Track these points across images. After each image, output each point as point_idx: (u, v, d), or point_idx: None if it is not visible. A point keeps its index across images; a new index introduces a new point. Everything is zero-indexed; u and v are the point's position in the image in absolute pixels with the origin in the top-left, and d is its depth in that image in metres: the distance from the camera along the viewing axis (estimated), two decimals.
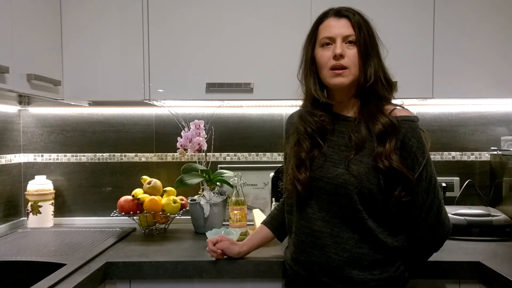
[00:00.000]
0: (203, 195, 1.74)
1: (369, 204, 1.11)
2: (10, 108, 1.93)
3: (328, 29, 1.15)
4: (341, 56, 1.12)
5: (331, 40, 1.15)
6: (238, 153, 2.00)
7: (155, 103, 1.81)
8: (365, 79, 1.13)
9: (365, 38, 1.13)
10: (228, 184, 1.73)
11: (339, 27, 1.14)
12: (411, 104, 1.76)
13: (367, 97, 1.16)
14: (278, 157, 1.99)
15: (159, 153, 2.00)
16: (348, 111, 1.21)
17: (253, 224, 1.65)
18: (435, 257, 1.26)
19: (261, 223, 1.40)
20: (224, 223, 1.79)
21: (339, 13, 1.16)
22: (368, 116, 1.15)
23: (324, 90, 1.21)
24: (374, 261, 1.12)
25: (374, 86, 1.14)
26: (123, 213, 1.72)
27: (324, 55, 1.15)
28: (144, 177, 1.85)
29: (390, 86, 1.18)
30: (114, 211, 1.74)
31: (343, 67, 1.13)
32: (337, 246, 1.12)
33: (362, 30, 1.13)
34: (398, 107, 1.18)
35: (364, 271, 1.12)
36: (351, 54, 1.13)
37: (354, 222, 1.12)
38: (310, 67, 1.20)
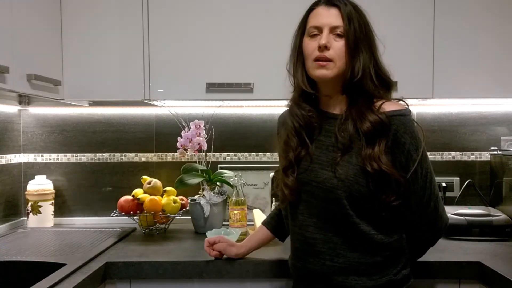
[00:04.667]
0: (203, 195, 1.74)
1: (360, 207, 1.06)
2: (10, 108, 1.93)
3: (316, 18, 1.09)
4: (326, 47, 1.05)
5: (318, 30, 1.08)
6: (238, 153, 2.00)
7: (155, 103, 1.81)
8: (352, 75, 1.06)
9: (355, 31, 1.06)
10: (228, 184, 1.73)
11: (327, 17, 1.07)
12: (411, 104, 1.75)
13: (356, 94, 1.09)
14: (278, 157, 1.99)
15: (159, 153, 2.00)
16: (335, 108, 1.14)
17: (253, 224, 1.65)
18: (435, 257, 1.26)
19: (261, 223, 1.39)
20: (224, 223, 1.78)
21: (330, 2, 1.09)
22: (356, 114, 1.07)
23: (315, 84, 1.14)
24: (371, 265, 1.07)
25: (363, 82, 1.06)
26: (123, 213, 1.72)
27: (310, 45, 1.09)
28: (144, 177, 1.86)
29: (384, 85, 1.11)
30: (114, 211, 1.74)
31: (328, 60, 1.06)
32: (332, 253, 1.08)
33: (353, 22, 1.06)
34: (387, 101, 1.09)
35: (361, 277, 1.07)
36: (337, 46, 1.06)
37: (346, 227, 1.07)
38: (298, 57, 1.13)
